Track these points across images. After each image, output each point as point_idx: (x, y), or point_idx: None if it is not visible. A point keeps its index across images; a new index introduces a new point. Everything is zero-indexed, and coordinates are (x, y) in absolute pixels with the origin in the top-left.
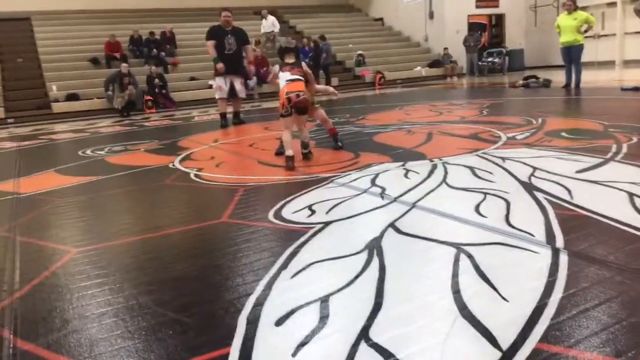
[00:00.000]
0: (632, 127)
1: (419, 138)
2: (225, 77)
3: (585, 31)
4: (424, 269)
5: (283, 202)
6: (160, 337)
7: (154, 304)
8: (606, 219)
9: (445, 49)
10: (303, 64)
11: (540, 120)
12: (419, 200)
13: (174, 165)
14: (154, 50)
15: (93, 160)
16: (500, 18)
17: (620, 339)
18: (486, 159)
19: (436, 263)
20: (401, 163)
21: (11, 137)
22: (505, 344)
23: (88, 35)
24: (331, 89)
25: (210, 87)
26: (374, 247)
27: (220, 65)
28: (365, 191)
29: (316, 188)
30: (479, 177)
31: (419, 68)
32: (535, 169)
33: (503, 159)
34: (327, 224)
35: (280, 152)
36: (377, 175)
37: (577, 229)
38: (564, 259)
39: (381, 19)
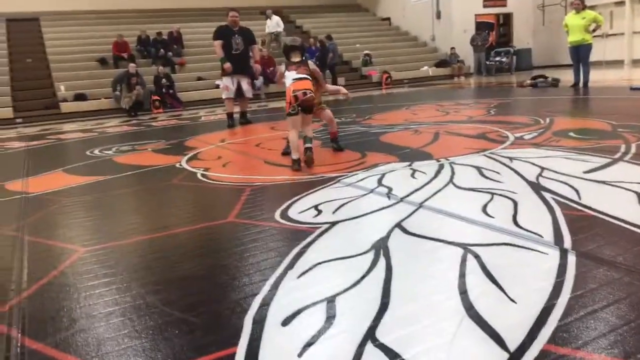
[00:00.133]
0: None
1: (425, 138)
2: (232, 77)
3: (594, 30)
4: (430, 269)
5: (289, 202)
6: (167, 336)
7: (161, 304)
8: (614, 220)
9: (453, 48)
10: (310, 62)
11: (548, 120)
12: (425, 201)
13: (181, 165)
14: (162, 50)
15: (101, 160)
16: (507, 17)
17: (629, 340)
18: (493, 159)
19: (443, 263)
20: (408, 163)
21: (20, 137)
22: (512, 345)
23: (96, 36)
24: (343, 89)
25: (218, 87)
26: (381, 247)
27: (227, 65)
28: (371, 191)
29: (323, 188)
30: (486, 177)
31: (426, 68)
32: (543, 169)
33: (511, 159)
34: (333, 224)
35: (287, 152)
36: (383, 175)
37: (585, 229)
38: (572, 259)
39: (388, 19)
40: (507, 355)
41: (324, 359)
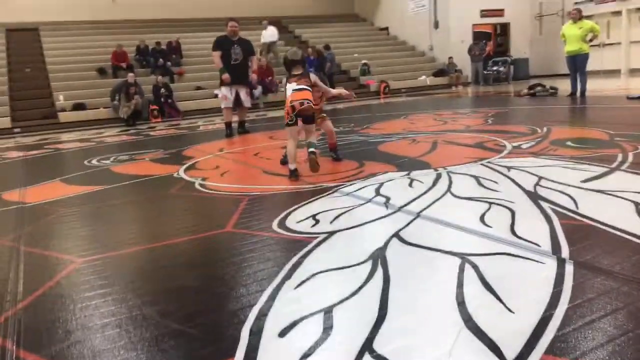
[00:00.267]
0: (638, 136)
1: (423, 147)
2: (230, 86)
3: (591, 40)
4: (428, 279)
5: (287, 211)
6: (163, 348)
7: (157, 315)
8: (612, 229)
9: (450, 58)
10: (312, 75)
11: (545, 129)
12: (423, 210)
13: (178, 174)
14: (160, 60)
15: (99, 170)
16: (505, 27)
17: (627, 351)
18: (491, 168)
19: (441, 273)
20: (406, 172)
21: (18, 147)
22: (510, 355)
23: (95, 46)
24: (345, 91)
25: (216, 96)
26: (378, 257)
27: (226, 76)
28: (369, 200)
29: (320, 197)
30: (484, 187)
31: (423, 77)
32: (540, 178)
33: (508, 168)
34: (331, 233)
35: (285, 162)
36: (381, 184)
37: (583, 239)
38: (569, 269)
39: (386, 29)
40: None
41: None
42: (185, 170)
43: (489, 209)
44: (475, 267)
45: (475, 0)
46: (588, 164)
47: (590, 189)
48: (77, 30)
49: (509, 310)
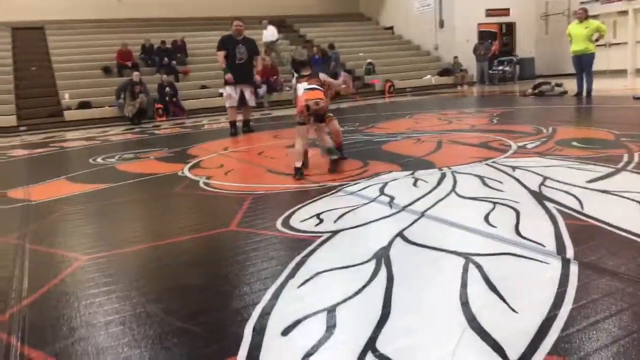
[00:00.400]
0: None
1: (428, 147)
2: (235, 85)
3: (597, 40)
4: (432, 279)
5: (291, 210)
6: (167, 345)
7: (161, 312)
8: (617, 230)
9: (456, 57)
10: (321, 74)
11: (551, 129)
12: (427, 210)
13: (183, 173)
14: (165, 59)
15: (104, 168)
16: (510, 27)
17: (632, 352)
18: (496, 168)
19: (445, 273)
20: (410, 172)
21: (23, 145)
22: (514, 356)
23: (100, 44)
24: (347, 78)
25: (221, 95)
26: (382, 257)
27: (229, 76)
28: (373, 200)
29: (324, 197)
30: (489, 187)
31: (428, 76)
32: (545, 178)
33: (513, 168)
34: (335, 232)
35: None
36: (385, 184)
37: (587, 239)
38: (574, 269)
39: (391, 28)
40: None
41: None
42: (190, 168)
43: (493, 208)
44: (479, 267)
45: (481, 0)
46: (593, 164)
47: (595, 190)
48: (83, 29)
49: (513, 310)
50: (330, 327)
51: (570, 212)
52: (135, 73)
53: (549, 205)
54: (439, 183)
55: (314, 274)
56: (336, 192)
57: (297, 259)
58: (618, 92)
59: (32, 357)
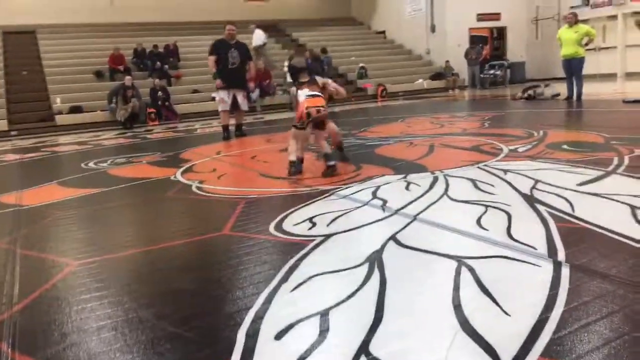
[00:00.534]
0: (633, 139)
1: (420, 150)
2: (228, 90)
3: (586, 44)
4: (424, 282)
5: (284, 214)
6: (159, 351)
7: (153, 317)
8: (608, 232)
9: (447, 61)
10: (318, 78)
11: (541, 132)
12: (420, 213)
13: (175, 177)
14: (158, 63)
15: (95, 173)
16: (501, 31)
17: (623, 353)
18: (488, 171)
19: (437, 276)
20: (402, 175)
21: (14, 149)
22: (506, 358)
23: (92, 49)
24: (342, 90)
25: (213, 99)
26: (375, 260)
27: (218, 82)
28: (366, 203)
29: (317, 200)
30: (481, 190)
31: (420, 80)
32: (536, 181)
33: (505, 171)
34: (328, 236)
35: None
36: (378, 187)
37: (578, 242)
38: (565, 272)
39: (383, 32)
40: None
41: None
42: (183, 173)
43: (485, 211)
44: (471, 270)
45: (472, 4)
46: (584, 167)
47: (586, 192)
48: (75, 33)
49: (505, 313)
50: (324, 331)
51: (561, 214)
52: (128, 77)
53: (541, 208)
54: (431, 186)
55: (307, 277)
56: (329, 195)
57: (290, 262)
58: (608, 95)
59: None
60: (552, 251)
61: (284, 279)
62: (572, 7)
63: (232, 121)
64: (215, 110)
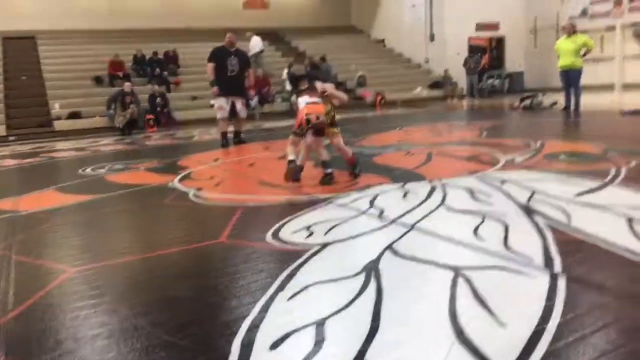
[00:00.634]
0: (631, 150)
1: (418, 159)
2: (227, 97)
3: (584, 54)
4: (421, 292)
5: (281, 222)
6: (153, 358)
7: (148, 325)
8: (605, 244)
9: (446, 70)
10: (318, 83)
11: (539, 142)
12: (417, 222)
13: (173, 184)
14: (157, 69)
15: (93, 179)
16: (500, 41)
17: None
18: (485, 181)
19: (434, 286)
20: (400, 184)
21: (12, 155)
22: None
23: (92, 55)
24: (344, 97)
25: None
26: (372, 270)
27: (215, 89)
28: (364, 212)
29: (315, 209)
30: (478, 200)
31: (419, 89)
32: (534, 191)
33: (502, 181)
34: (325, 245)
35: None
36: (376, 196)
37: (575, 253)
38: (562, 283)
39: (383, 41)
40: None
41: None
42: (180, 180)
43: (482, 222)
44: (468, 280)
45: (471, 14)
46: (581, 178)
47: (583, 204)
48: (75, 39)
49: (501, 323)
50: (320, 341)
51: (558, 225)
52: (127, 84)
53: (537, 218)
54: (428, 196)
55: (304, 286)
56: (327, 204)
57: (287, 271)
58: (605, 106)
59: None
60: (548, 262)
61: (281, 288)
62: (570, 18)
63: (231, 128)
64: (214, 118)
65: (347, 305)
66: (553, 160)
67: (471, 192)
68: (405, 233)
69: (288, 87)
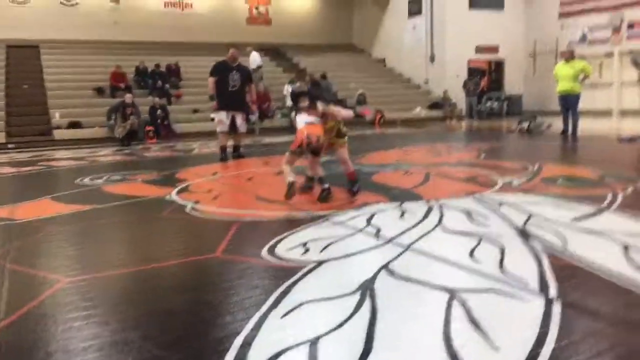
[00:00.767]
0: (628, 176)
1: (416, 179)
2: (227, 111)
3: (583, 80)
4: (415, 313)
5: (277, 238)
6: None
7: (140, 339)
8: (600, 269)
9: (445, 91)
10: (319, 104)
11: (537, 166)
12: (413, 243)
13: (171, 196)
14: (159, 82)
15: (90, 189)
16: (499, 64)
17: None
18: (482, 203)
19: (428, 308)
20: (398, 203)
21: (10, 163)
22: None
23: (94, 65)
24: (350, 114)
25: (213, 120)
26: (367, 289)
27: (214, 104)
28: (360, 231)
29: (311, 226)
30: (475, 221)
31: (418, 109)
32: (530, 215)
33: (499, 203)
34: (320, 263)
35: (308, 187)
36: (373, 214)
37: (570, 278)
38: (557, 308)
39: (383, 60)
40: None
41: None
42: (178, 192)
43: (478, 244)
44: (462, 303)
45: (471, 36)
46: (578, 202)
47: (579, 229)
48: (78, 49)
49: (496, 347)
50: None
51: (554, 250)
52: (128, 95)
53: (534, 242)
54: (425, 216)
55: (298, 304)
56: (323, 221)
57: (282, 288)
58: (603, 132)
59: None
60: (543, 287)
61: (275, 305)
62: (569, 43)
63: (230, 142)
64: (214, 131)
65: (341, 325)
66: (550, 184)
67: (468, 214)
68: (401, 253)
69: (289, 102)
